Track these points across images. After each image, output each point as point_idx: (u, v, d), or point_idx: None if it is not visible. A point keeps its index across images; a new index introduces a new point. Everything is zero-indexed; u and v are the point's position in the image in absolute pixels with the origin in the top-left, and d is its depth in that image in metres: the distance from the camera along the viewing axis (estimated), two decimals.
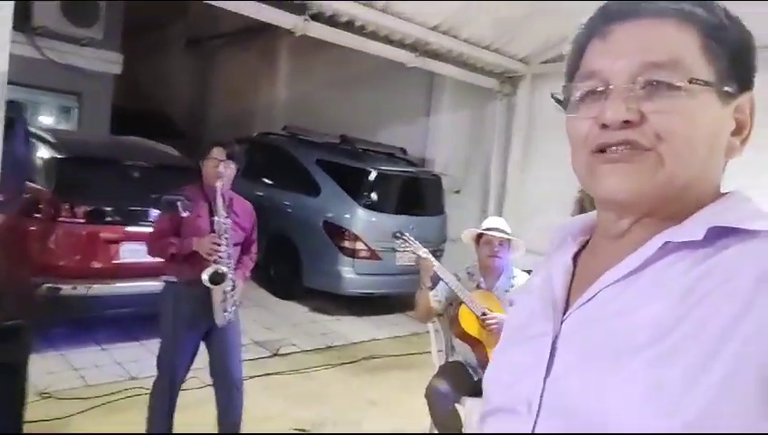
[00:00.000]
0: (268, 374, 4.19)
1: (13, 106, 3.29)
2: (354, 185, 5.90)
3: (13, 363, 2.39)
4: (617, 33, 0.66)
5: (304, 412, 3.70)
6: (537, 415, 0.65)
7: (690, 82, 0.62)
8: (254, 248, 3.07)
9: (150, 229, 4.02)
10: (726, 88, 0.64)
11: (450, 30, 5.60)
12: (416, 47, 5.70)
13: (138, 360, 4.09)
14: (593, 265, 0.71)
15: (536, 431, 0.65)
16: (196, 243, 2.68)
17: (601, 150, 0.66)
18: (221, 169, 2.72)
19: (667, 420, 0.54)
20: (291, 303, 6.08)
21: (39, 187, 4.19)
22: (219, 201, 2.70)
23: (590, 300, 0.67)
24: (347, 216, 5.82)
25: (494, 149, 6.94)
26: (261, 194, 6.21)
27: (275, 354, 4.66)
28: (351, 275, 5.75)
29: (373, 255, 5.80)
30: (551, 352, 0.67)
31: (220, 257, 2.68)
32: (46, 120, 7.90)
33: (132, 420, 2.99)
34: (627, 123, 0.63)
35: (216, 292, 2.71)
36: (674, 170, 0.63)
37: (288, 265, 6.08)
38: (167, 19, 11.29)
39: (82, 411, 3.36)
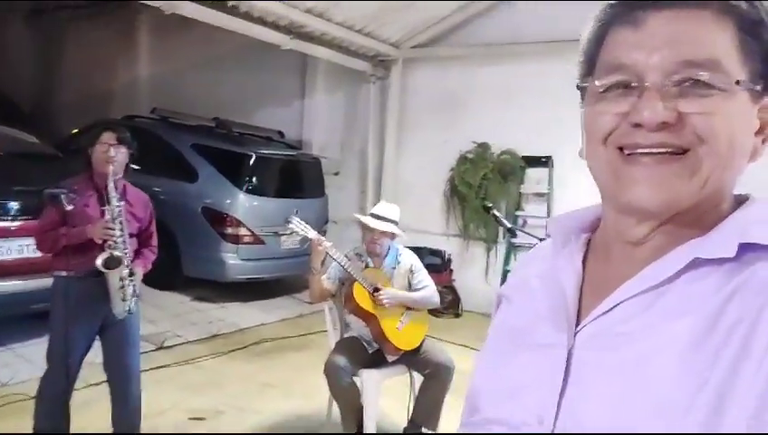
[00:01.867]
0: (156, 368, 4.04)
1: None
2: (234, 169, 5.78)
3: None
4: (651, 23, 0.60)
5: (199, 402, 3.64)
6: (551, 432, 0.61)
7: (737, 84, 0.58)
8: (153, 241, 2.98)
9: (14, 224, 3.77)
10: (757, 87, 0.60)
11: (324, 13, 5.65)
12: (290, 29, 5.68)
13: (7, 365, 3.76)
14: (606, 272, 0.67)
15: None
16: (90, 229, 2.58)
17: (630, 151, 0.61)
18: (111, 154, 2.63)
19: None
20: (171, 293, 5.83)
21: None
22: (111, 186, 2.60)
23: (607, 312, 0.62)
24: (228, 201, 5.70)
25: (369, 131, 7.13)
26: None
27: (161, 347, 4.49)
28: (235, 262, 5.67)
29: (257, 239, 5.76)
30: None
31: (114, 242, 2.59)
32: None
33: (13, 428, 2.77)
34: (663, 124, 0.58)
35: (112, 277, 2.61)
36: (711, 174, 0.59)
37: (166, 254, 5.80)
38: None
39: None
